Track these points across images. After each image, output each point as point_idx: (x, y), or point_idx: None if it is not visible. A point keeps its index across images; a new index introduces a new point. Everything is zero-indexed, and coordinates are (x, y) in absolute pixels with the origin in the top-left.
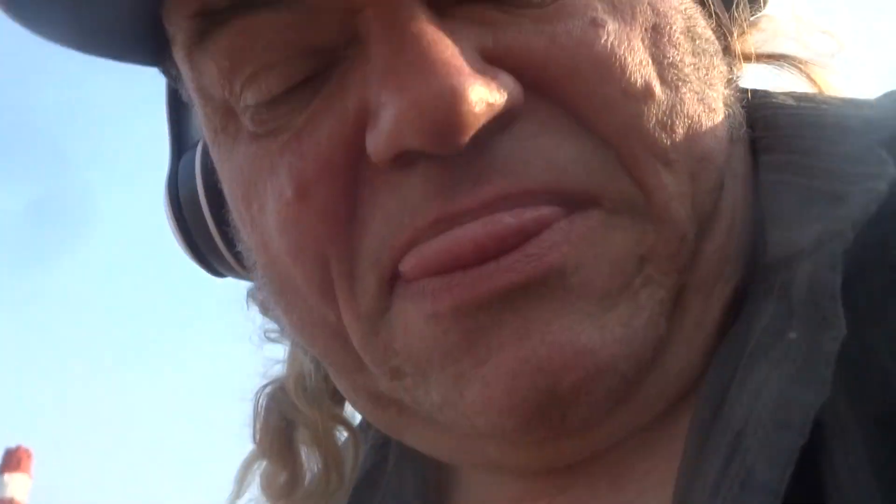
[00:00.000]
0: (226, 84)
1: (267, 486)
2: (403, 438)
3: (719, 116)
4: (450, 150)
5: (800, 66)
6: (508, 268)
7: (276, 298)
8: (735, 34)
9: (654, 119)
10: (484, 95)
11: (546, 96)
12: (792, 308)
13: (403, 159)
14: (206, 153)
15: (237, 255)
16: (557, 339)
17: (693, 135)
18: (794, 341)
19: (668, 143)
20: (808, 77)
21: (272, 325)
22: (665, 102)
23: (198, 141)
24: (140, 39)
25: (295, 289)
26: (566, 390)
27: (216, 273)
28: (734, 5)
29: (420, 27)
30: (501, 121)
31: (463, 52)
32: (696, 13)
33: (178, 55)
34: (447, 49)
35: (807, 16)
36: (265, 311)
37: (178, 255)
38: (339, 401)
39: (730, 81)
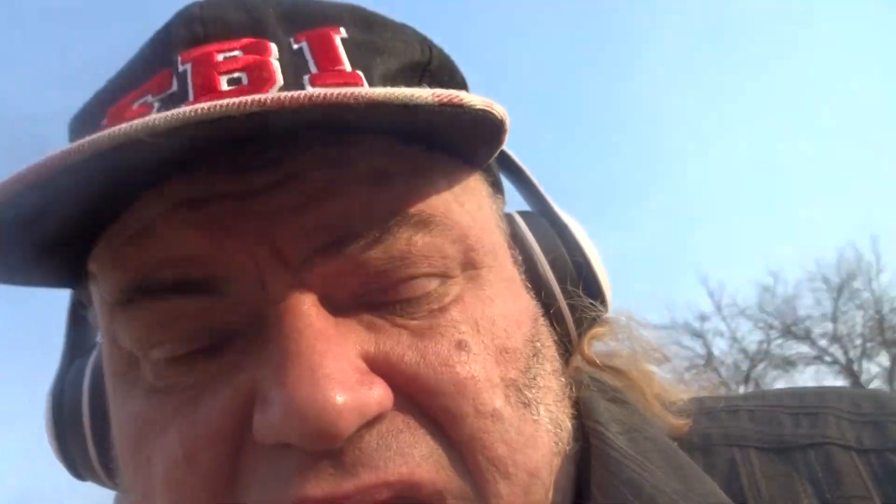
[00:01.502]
0: (136, 343)
1: None
2: None
3: (548, 435)
4: (323, 449)
5: (626, 379)
6: None
7: None
8: (580, 340)
9: (497, 434)
10: (358, 407)
11: (411, 401)
12: None
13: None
14: (98, 364)
15: (105, 466)
16: None
17: (528, 451)
18: None
19: (507, 457)
20: (632, 384)
21: None
22: (507, 421)
23: (91, 347)
24: (59, 269)
25: None
26: None
27: (78, 476)
28: (580, 309)
29: (316, 332)
30: (371, 421)
31: (348, 358)
32: (543, 328)
33: (98, 301)
34: (335, 360)
35: (636, 316)
36: None
37: None
38: None
39: (567, 395)
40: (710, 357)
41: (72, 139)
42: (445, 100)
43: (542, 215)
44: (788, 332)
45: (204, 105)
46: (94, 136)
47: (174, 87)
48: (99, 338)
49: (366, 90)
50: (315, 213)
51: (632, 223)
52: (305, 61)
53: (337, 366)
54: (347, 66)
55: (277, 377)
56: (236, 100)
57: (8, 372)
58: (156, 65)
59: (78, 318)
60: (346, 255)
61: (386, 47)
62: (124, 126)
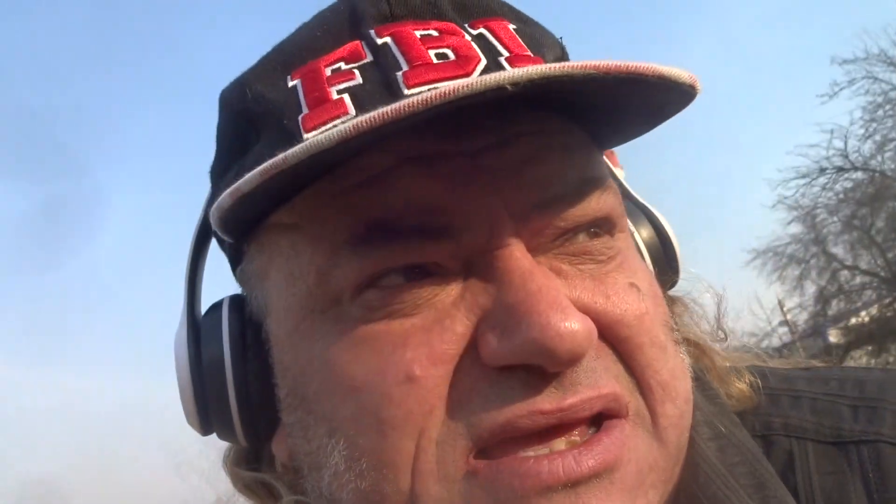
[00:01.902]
0: (359, 278)
1: None
2: None
3: (688, 374)
4: (562, 370)
5: (700, 353)
6: (581, 463)
7: (349, 465)
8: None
9: (663, 363)
10: (591, 333)
11: (601, 334)
12: None
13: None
14: (234, 324)
15: (245, 417)
16: None
17: (683, 380)
18: None
19: (671, 382)
20: (701, 358)
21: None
22: (669, 352)
23: (210, 307)
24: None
25: (376, 458)
26: None
27: (206, 431)
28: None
29: (541, 273)
30: None
31: (566, 296)
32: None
33: (304, 246)
34: (565, 297)
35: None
36: (294, 477)
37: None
38: None
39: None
40: None
41: (244, 95)
42: (693, 80)
43: (625, 198)
44: None
45: (568, 64)
46: (448, 85)
47: (368, 57)
48: (266, 288)
49: (645, 64)
50: (532, 172)
51: None
52: (493, 45)
53: (568, 302)
54: (530, 53)
55: (526, 307)
56: (577, 63)
57: None
58: (342, 36)
59: (194, 275)
60: (553, 211)
61: (543, 40)
62: (487, 77)
